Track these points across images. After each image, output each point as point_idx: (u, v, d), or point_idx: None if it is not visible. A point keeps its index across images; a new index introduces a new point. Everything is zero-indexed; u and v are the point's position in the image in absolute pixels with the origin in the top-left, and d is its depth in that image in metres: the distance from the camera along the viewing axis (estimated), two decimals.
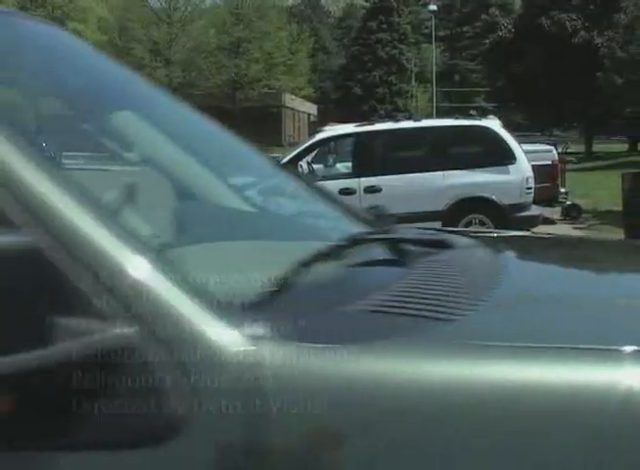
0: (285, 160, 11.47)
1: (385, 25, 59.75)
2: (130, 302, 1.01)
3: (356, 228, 1.67)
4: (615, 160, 32.81)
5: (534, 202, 10.65)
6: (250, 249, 1.49)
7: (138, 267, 1.04)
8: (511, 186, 10.16)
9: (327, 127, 11.85)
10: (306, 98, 54.56)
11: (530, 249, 2.02)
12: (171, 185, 1.72)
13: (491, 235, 2.20)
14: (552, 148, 14.74)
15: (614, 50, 35.03)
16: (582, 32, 37.44)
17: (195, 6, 52.05)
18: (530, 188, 10.46)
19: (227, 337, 1.01)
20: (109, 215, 1.11)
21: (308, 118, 54.41)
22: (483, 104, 49.18)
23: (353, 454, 0.98)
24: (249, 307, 1.08)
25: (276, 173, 1.97)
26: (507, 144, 10.47)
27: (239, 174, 1.94)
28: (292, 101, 50.75)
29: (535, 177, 10.77)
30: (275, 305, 1.11)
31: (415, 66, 62.74)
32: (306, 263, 1.24)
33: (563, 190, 14.52)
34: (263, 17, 49.91)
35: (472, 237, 1.84)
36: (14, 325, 0.95)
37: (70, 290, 0.99)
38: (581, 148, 39.30)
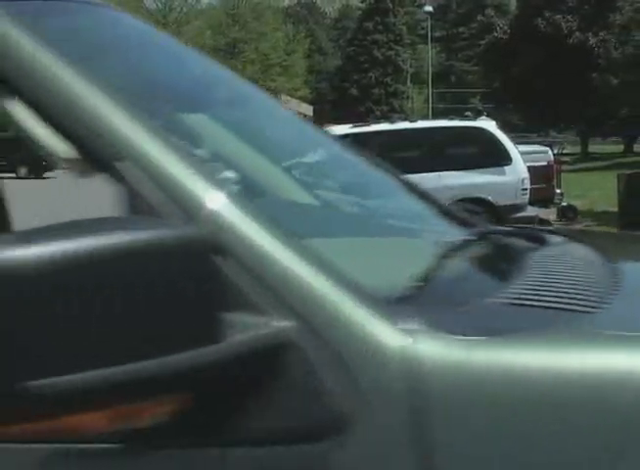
0: None
1: (380, 26, 59.81)
2: (287, 297, 1.00)
3: (456, 225, 1.69)
4: (610, 160, 32.88)
5: (530, 203, 10.67)
6: (383, 244, 1.50)
7: (296, 262, 1.03)
8: (507, 187, 10.18)
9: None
10: (302, 99, 54.56)
11: (617, 244, 2.03)
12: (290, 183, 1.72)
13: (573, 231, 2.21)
14: (548, 149, 14.77)
15: (609, 51, 35.11)
16: (578, 33, 37.50)
17: (191, 7, 52.09)
18: (526, 189, 10.49)
19: (385, 332, 1.00)
20: (260, 209, 1.10)
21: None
22: (479, 105, 49.22)
23: (511, 447, 0.97)
24: (401, 302, 1.08)
25: (372, 172, 1.96)
26: (503, 145, 10.49)
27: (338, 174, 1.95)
28: (288, 102, 50.76)
29: (531, 178, 10.80)
30: (423, 299, 1.12)
31: (411, 67, 62.80)
32: (442, 258, 1.27)
33: (558, 191, 14.54)
34: (259, 18, 49.96)
35: (560, 234, 1.85)
36: (181, 323, 0.94)
37: (230, 286, 0.98)
38: (577, 149, 39.39)
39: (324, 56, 70.52)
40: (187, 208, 1.03)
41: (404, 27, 62.07)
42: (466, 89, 61.33)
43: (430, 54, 54.35)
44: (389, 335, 1.00)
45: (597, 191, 17.85)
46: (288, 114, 2.09)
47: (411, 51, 63.97)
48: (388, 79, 59.81)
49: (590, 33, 37.33)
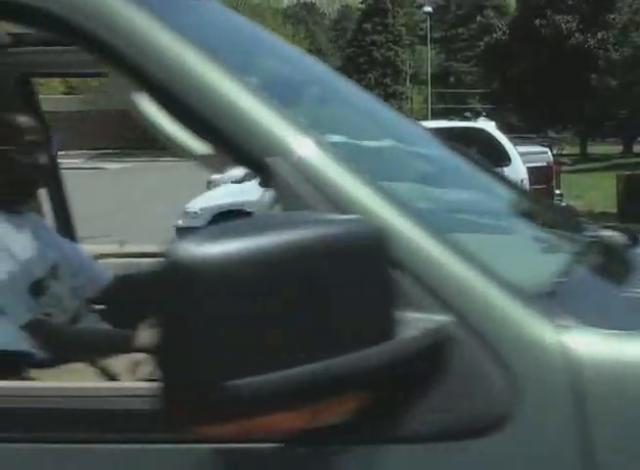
0: None
1: (380, 27, 59.76)
2: (444, 293, 1.01)
3: (573, 224, 1.74)
4: (609, 161, 32.86)
5: None
6: (515, 241, 1.52)
7: (451, 258, 1.03)
8: None
9: None
10: None
11: None
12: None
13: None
14: (547, 149, 14.77)
15: (608, 52, 35.10)
16: (577, 34, 37.49)
17: None
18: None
19: (541, 328, 1.01)
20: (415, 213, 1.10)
21: None
22: (479, 105, 49.22)
23: None
24: (550, 297, 1.09)
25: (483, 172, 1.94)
26: (502, 146, 10.51)
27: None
28: None
29: (530, 179, 10.79)
30: (568, 295, 1.12)
31: (410, 67, 62.78)
32: (574, 255, 1.29)
33: (557, 192, 14.53)
34: (259, 18, 49.90)
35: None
36: (359, 319, 0.94)
37: (396, 283, 0.98)
38: (576, 149, 39.37)
39: (323, 57, 70.55)
40: (341, 205, 1.04)
41: (403, 28, 62.03)
42: (465, 90, 61.31)
43: (429, 55, 54.32)
44: (547, 331, 1.00)
45: (596, 192, 17.85)
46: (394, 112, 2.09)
47: (410, 52, 63.94)
48: (388, 80, 59.77)
49: (589, 34, 37.32)
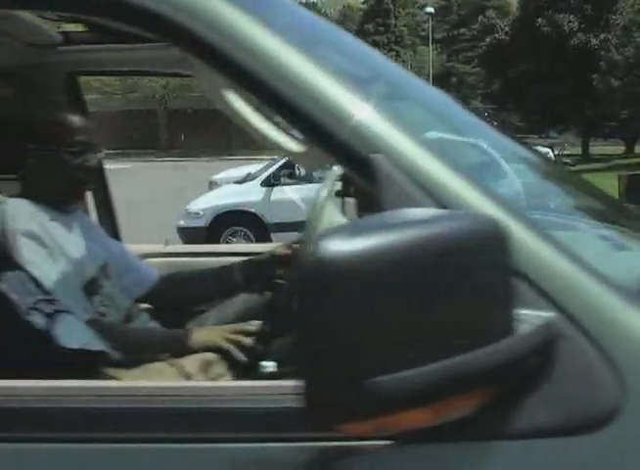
0: (281, 162, 11.48)
1: (381, 28, 59.80)
2: (549, 289, 1.02)
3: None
4: (611, 162, 32.85)
5: None
6: (598, 237, 1.53)
7: (555, 254, 1.04)
8: None
9: None
10: None
11: None
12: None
13: None
14: (548, 150, 14.81)
15: (610, 52, 35.09)
16: (579, 34, 37.48)
17: None
18: None
19: None
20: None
21: None
22: (481, 106, 49.22)
23: None
24: None
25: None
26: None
27: None
28: None
29: None
30: None
31: (412, 68, 62.79)
32: None
33: None
34: None
35: None
36: (485, 315, 0.94)
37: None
38: (578, 150, 39.34)
39: None
40: (446, 202, 1.05)
41: (405, 29, 62.06)
42: (466, 90, 61.32)
43: (430, 55, 54.33)
44: None
45: None
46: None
47: (412, 52, 63.94)
48: None
49: (591, 35, 37.31)
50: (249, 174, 12.46)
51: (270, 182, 11.33)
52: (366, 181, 1.08)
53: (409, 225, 0.92)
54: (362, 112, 1.10)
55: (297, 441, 1.03)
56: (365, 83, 1.30)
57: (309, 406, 0.90)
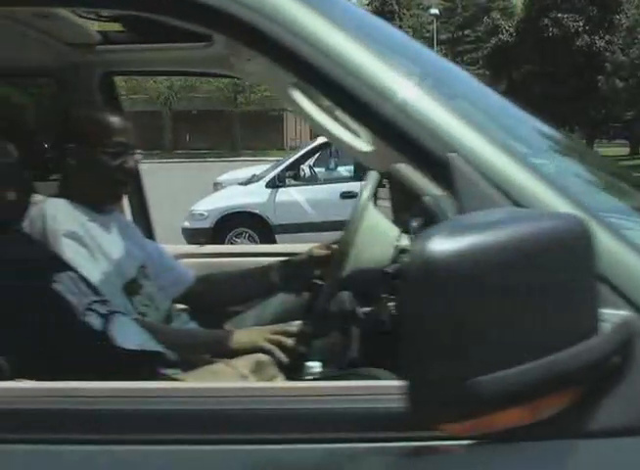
0: (286, 163, 11.48)
1: None
2: (622, 287, 1.03)
3: None
4: (616, 163, 32.79)
5: None
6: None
7: (627, 251, 1.04)
8: None
9: None
10: None
11: None
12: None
13: None
14: None
15: (615, 53, 35.04)
16: (584, 36, 37.43)
17: None
18: None
19: None
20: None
21: None
22: None
23: None
24: None
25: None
26: None
27: None
28: None
29: None
30: None
31: None
32: None
33: None
34: None
35: None
36: (569, 315, 0.95)
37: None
38: None
39: None
40: (523, 202, 1.05)
41: (410, 30, 62.01)
42: None
43: None
44: None
45: None
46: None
47: None
48: None
49: (596, 36, 37.26)
50: (253, 176, 12.45)
51: (275, 184, 11.32)
52: (441, 181, 1.08)
53: (506, 225, 0.93)
54: (436, 111, 1.10)
55: (393, 441, 1.03)
56: (437, 83, 1.29)
57: (414, 406, 0.90)
